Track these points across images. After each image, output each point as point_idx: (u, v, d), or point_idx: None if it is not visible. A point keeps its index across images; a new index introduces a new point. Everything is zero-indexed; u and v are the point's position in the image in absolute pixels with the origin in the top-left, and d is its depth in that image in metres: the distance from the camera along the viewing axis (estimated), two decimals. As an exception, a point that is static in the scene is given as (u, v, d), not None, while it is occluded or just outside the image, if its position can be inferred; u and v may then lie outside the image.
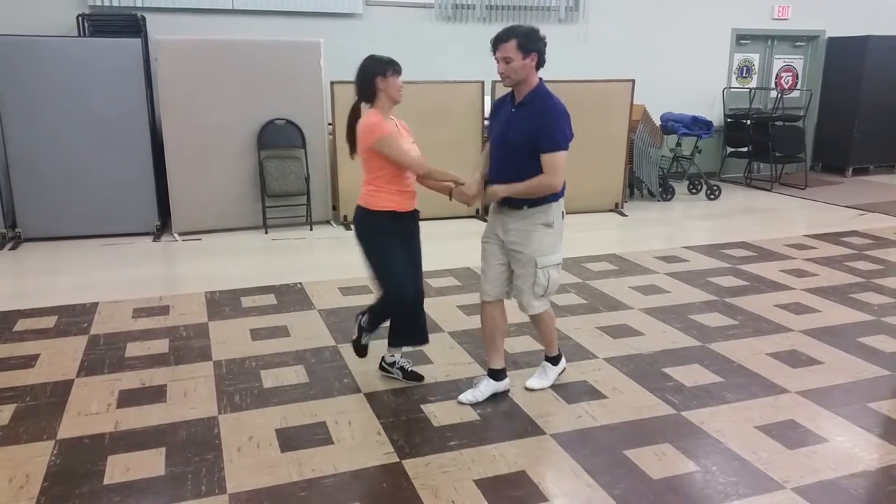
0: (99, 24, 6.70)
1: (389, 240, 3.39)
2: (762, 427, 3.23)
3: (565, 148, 3.20)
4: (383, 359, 3.71)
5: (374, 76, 3.27)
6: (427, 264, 5.54)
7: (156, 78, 6.49)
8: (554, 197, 3.28)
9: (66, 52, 6.19)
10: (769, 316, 4.64)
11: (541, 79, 3.28)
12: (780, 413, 3.36)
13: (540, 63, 3.21)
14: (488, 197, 3.34)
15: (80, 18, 6.75)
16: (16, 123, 6.15)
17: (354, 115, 3.39)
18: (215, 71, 6.45)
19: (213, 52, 6.45)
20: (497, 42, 3.18)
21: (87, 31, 6.69)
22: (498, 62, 3.19)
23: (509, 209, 3.30)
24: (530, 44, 3.14)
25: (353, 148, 3.41)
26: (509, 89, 3.31)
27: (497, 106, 3.45)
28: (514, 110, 3.28)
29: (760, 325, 4.49)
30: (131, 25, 6.74)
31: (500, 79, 3.23)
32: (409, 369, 3.71)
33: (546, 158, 3.16)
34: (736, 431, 3.19)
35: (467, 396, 3.46)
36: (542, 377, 3.63)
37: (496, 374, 3.52)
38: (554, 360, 3.65)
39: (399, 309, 3.49)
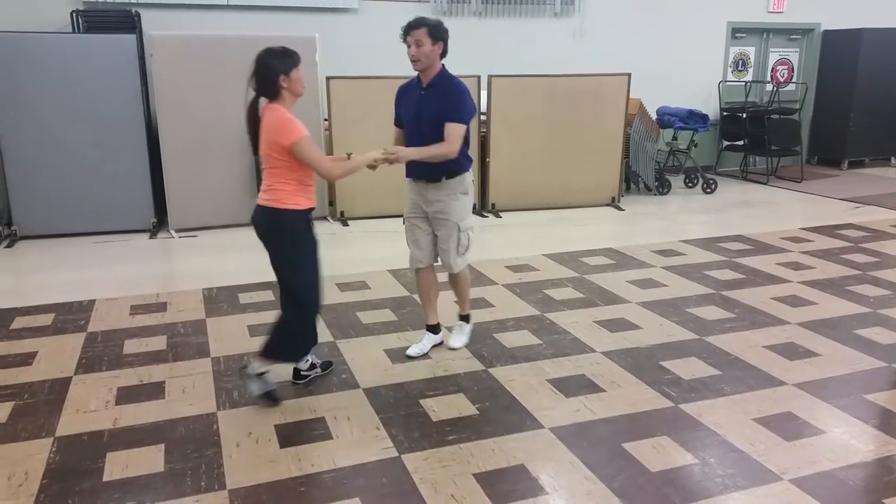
0: (93, 21, 6.68)
1: (313, 240, 3.36)
2: (759, 419, 3.24)
3: (466, 122, 3.58)
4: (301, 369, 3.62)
5: (277, 74, 3.13)
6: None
7: (151, 74, 6.47)
8: (466, 167, 3.71)
9: (61, 48, 6.16)
10: (766, 309, 4.65)
11: (443, 65, 3.64)
12: (778, 405, 3.38)
13: (444, 52, 3.60)
14: (400, 158, 3.49)
15: (74, 14, 6.72)
16: (10, 121, 6.13)
17: (255, 111, 3.22)
18: (211, 66, 6.42)
19: (208, 48, 6.43)
20: (409, 28, 3.51)
21: (81, 27, 6.67)
22: (409, 46, 3.52)
23: (428, 182, 3.68)
24: (438, 33, 3.53)
25: (257, 145, 3.24)
26: (405, 80, 3.73)
27: (403, 91, 3.76)
28: (423, 93, 3.62)
29: (757, 317, 4.50)
30: (126, 21, 6.71)
31: (411, 62, 3.55)
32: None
33: (449, 127, 3.51)
34: (733, 424, 3.20)
35: (414, 350, 3.93)
36: (461, 335, 4.07)
37: (434, 329, 4.03)
38: (466, 318, 4.12)
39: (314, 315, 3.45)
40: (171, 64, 6.33)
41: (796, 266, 5.59)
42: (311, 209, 3.30)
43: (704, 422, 3.22)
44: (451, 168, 3.63)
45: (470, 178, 3.75)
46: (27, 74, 6.08)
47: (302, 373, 3.58)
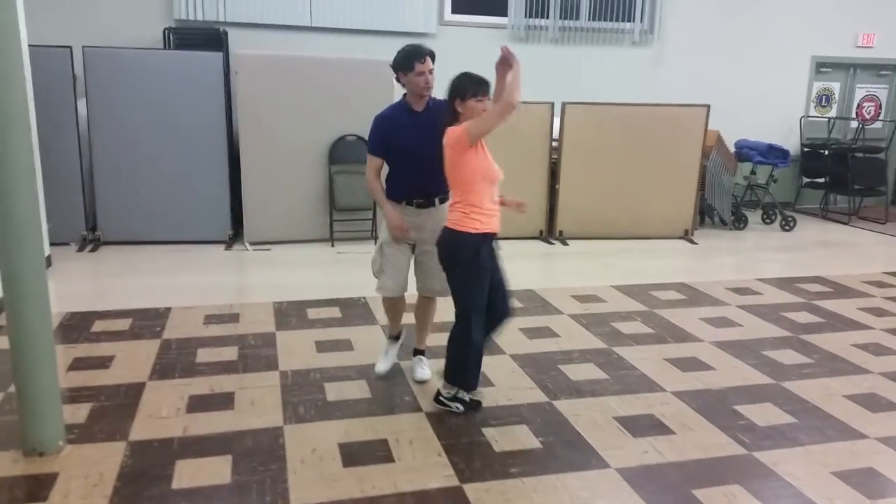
0: (183, 38, 6.97)
1: None
2: (838, 473, 3.09)
3: None
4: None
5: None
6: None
7: (235, 91, 6.69)
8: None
9: (152, 63, 6.45)
10: (846, 356, 4.45)
11: None
12: (858, 460, 3.21)
13: None
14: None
15: (166, 32, 7.03)
16: (102, 130, 6.43)
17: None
18: (291, 86, 6.60)
19: (290, 68, 6.61)
20: (427, 55, 3.50)
21: (172, 44, 6.96)
22: (427, 74, 3.50)
23: (418, 209, 3.62)
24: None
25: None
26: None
27: (389, 120, 3.61)
28: (421, 117, 3.56)
29: (837, 364, 4.31)
30: (214, 39, 6.98)
31: (425, 90, 3.53)
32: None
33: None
34: (810, 476, 3.05)
35: (383, 366, 3.94)
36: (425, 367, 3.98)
37: (397, 337, 4.08)
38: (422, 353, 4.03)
39: None
40: (255, 81, 6.53)
41: (879, 312, 5.34)
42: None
43: (779, 472, 3.08)
44: (444, 193, 3.61)
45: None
46: (120, 87, 6.37)
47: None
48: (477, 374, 3.52)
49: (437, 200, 3.64)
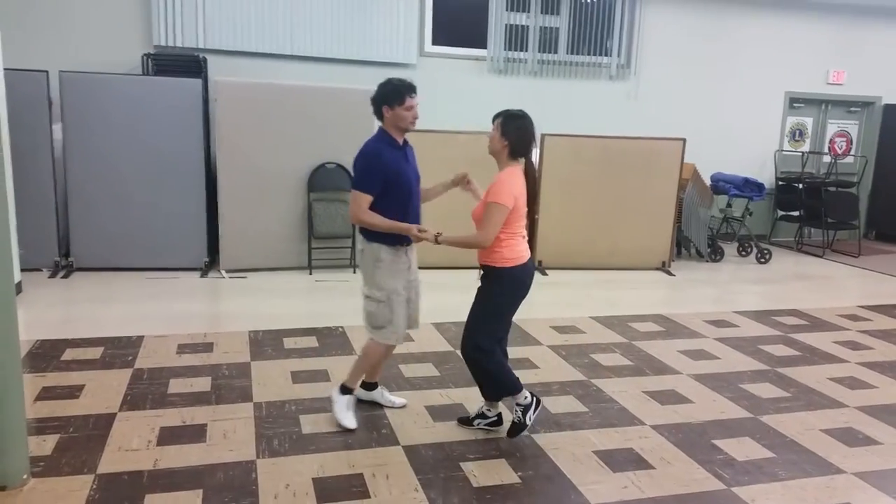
0: (162, 64, 6.94)
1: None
2: (817, 509, 3.08)
3: None
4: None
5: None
6: (457, 315, 5.53)
7: (213, 118, 6.66)
8: None
9: (130, 89, 6.41)
10: (822, 389, 4.47)
11: None
12: (836, 495, 3.20)
13: None
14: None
15: (145, 58, 7.00)
16: (77, 155, 6.35)
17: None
18: (271, 113, 6.59)
19: (269, 96, 6.60)
20: (414, 91, 3.49)
21: (151, 70, 6.93)
22: (412, 108, 3.47)
23: (407, 246, 3.61)
24: None
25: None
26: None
27: (393, 153, 3.49)
28: (406, 152, 3.58)
29: (813, 398, 4.32)
30: (193, 66, 6.95)
31: (411, 125, 3.51)
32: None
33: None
34: (789, 512, 3.04)
35: (352, 422, 3.64)
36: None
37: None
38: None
39: None
40: (234, 109, 6.51)
41: (854, 346, 5.38)
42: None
43: (758, 508, 3.07)
44: None
45: None
46: (97, 112, 6.31)
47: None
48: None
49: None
